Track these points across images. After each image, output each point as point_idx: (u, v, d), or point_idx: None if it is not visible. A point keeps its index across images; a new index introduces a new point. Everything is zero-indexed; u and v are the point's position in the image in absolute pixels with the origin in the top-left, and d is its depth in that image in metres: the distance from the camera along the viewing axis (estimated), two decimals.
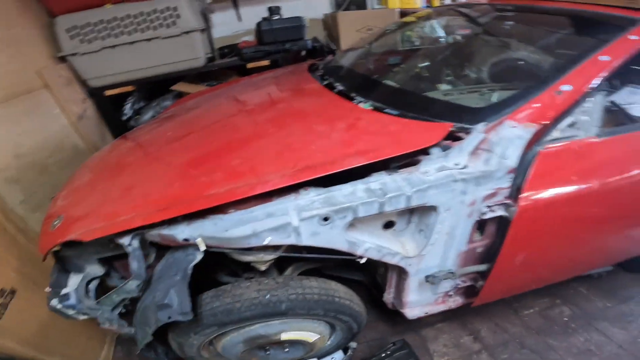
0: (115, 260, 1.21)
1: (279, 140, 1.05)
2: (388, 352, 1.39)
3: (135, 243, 0.93)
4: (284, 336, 1.17)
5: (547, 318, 1.56)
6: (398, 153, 0.88)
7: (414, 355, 1.34)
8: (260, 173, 0.91)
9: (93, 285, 1.16)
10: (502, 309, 1.61)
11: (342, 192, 0.86)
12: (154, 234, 0.93)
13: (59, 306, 1.08)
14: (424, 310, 1.28)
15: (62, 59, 2.16)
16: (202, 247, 0.88)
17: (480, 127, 0.92)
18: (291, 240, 0.86)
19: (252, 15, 2.92)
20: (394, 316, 1.58)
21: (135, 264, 0.93)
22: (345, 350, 1.46)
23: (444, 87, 1.41)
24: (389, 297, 1.31)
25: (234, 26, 3.02)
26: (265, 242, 0.85)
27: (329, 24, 3.00)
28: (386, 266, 1.21)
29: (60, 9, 2.07)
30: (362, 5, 3.15)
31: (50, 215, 1.15)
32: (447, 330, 1.56)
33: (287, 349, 1.32)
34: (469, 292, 1.27)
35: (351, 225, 0.92)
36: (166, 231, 0.91)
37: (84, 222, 1.00)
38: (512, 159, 0.88)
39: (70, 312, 1.10)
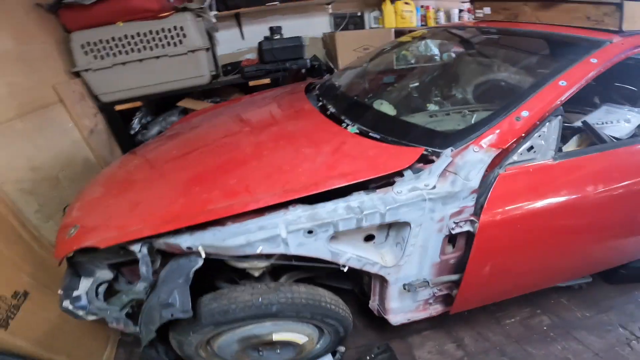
0: (123, 266, 1.31)
1: (271, 162, 1.18)
2: (372, 356, 1.48)
3: (145, 250, 1.05)
4: (275, 337, 1.26)
5: (527, 327, 1.64)
6: (373, 176, 1.00)
7: (395, 358, 1.43)
8: (253, 192, 1.04)
9: (102, 289, 1.25)
10: (485, 318, 1.69)
11: (325, 209, 0.98)
12: (160, 243, 1.05)
13: (70, 307, 1.17)
14: (406, 317, 1.38)
15: (76, 74, 2.29)
16: (203, 255, 1.00)
17: (448, 151, 1.04)
18: (280, 249, 0.98)
19: (255, 33, 3.07)
20: (381, 324, 1.63)
21: (144, 268, 1.05)
22: (333, 354, 1.53)
23: (431, 107, 1.54)
24: (374, 304, 1.40)
25: (237, 44, 3.17)
26: (258, 251, 0.97)
27: (328, 43, 3.16)
28: (369, 275, 1.31)
29: (75, 26, 2.20)
30: (360, 25, 3.31)
31: (66, 225, 1.25)
32: (432, 338, 1.63)
33: (278, 351, 1.40)
34: (447, 300, 1.37)
35: (334, 237, 1.04)
36: (171, 240, 1.03)
37: (98, 232, 1.12)
38: (475, 181, 1.00)
39: (81, 312, 1.19)
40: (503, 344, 1.57)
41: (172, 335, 1.21)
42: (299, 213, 0.98)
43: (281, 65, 2.69)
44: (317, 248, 1.01)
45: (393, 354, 1.44)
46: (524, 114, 1.05)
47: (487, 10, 1.67)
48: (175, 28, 2.29)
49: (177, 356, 1.30)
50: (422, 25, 3.32)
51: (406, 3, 3.08)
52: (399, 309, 1.35)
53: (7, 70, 1.79)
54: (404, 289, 1.21)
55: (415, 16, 3.17)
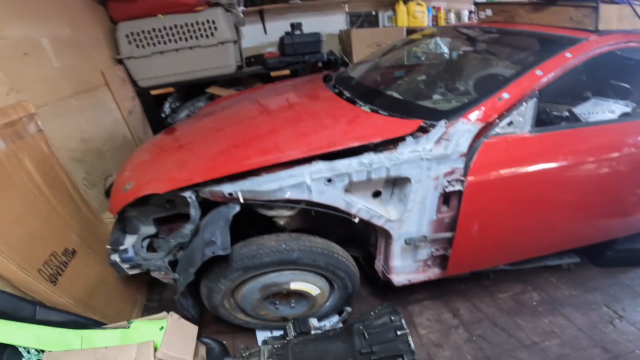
0: (162, 224, 1.52)
1: (296, 130, 1.41)
2: (376, 311, 1.68)
3: (194, 197, 1.26)
4: (293, 285, 1.45)
5: (518, 302, 1.78)
6: (380, 139, 1.23)
7: (395, 311, 1.62)
8: (283, 149, 1.27)
9: (145, 243, 1.45)
10: (479, 292, 1.85)
11: (342, 163, 1.21)
12: (205, 191, 1.26)
13: (118, 260, 1.35)
14: (407, 277, 1.56)
15: (119, 61, 2.57)
16: (241, 199, 1.22)
17: (442, 122, 1.26)
18: (305, 195, 1.21)
19: (276, 29, 3.33)
20: (384, 292, 1.84)
21: (193, 211, 1.25)
22: (339, 314, 1.68)
23: (436, 97, 1.76)
24: (379, 264, 1.59)
25: (259, 38, 3.43)
26: (287, 196, 1.20)
27: (344, 39, 3.39)
28: (376, 235, 1.53)
29: (121, 17, 2.46)
30: (374, 23, 3.53)
31: (120, 183, 1.44)
32: (431, 307, 1.79)
33: (293, 304, 1.60)
34: (444, 263, 1.55)
35: (348, 190, 1.27)
36: (215, 188, 1.24)
37: (152, 185, 1.30)
38: (463, 146, 1.23)
39: (125, 266, 1.37)
40: (495, 316, 1.72)
41: (204, 283, 1.38)
42: (321, 166, 1.21)
43: (300, 58, 2.93)
44: (334, 196, 1.24)
45: (395, 309, 1.63)
46: (505, 95, 1.27)
47: (488, 12, 1.89)
48: (207, 21, 2.55)
49: (201, 312, 1.46)
50: (433, 24, 3.53)
51: (418, 4, 3.29)
52: (401, 268, 1.53)
53: (66, 53, 2.05)
54: (406, 243, 1.41)
55: (426, 16, 3.39)
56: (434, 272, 1.60)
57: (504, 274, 1.88)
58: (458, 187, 1.29)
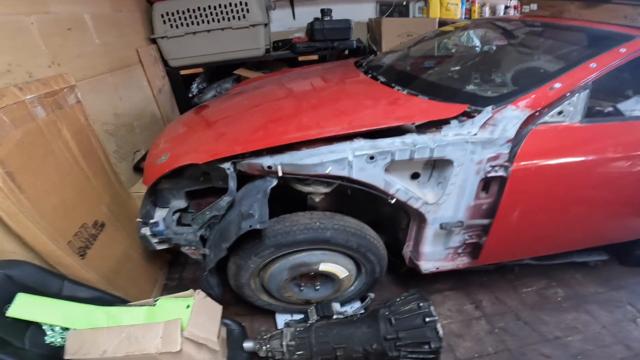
0: (192, 199, 1.51)
1: (336, 108, 1.39)
2: (402, 297, 1.66)
3: (232, 168, 1.26)
4: (322, 267, 1.44)
5: (543, 296, 1.77)
6: (426, 120, 1.21)
7: (424, 297, 1.59)
8: (324, 126, 1.26)
9: (175, 216, 1.43)
10: (503, 285, 1.83)
11: (384, 142, 1.20)
12: (243, 164, 1.25)
13: (148, 233, 1.34)
14: (435, 264, 1.54)
15: (152, 41, 2.61)
16: (280, 172, 1.20)
17: (489, 108, 1.23)
18: (345, 172, 1.20)
19: (305, 14, 3.30)
20: (406, 282, 1.83)
21: (232, 183, 1.25)
22: (362, 300, 1.69)
23: (470, 87, 1.73)
24: (407, 250, 1.58)
25: (287, 23, 3.41)
26: (327, 171, 1.19)
27: (373, 27, 3.34)
28: (408, 219, 1.51)
29: None
30: (404, 13, 3.47)
31: (154, 155, 1.45)
32: (453, 298, 1.77)
33: (317, 287, 1.59)
34: (474, 252, 1.53)
35: (387, 170, 1.25)
36: (254, 161, 1.23)
37: (189, 156, 1.29)
38: (511, 132, 1.20)
39: (155, 240, 1.36)
40: (518, 309, 1.70)
41: (233, 260, 1.37)
42: (363, 143, 1.20)
43: (329, 44, 2.91)
44: (374, 175, 1.22)
45: (423, 296, 1.62)
46: (557, 85, 1.23)
47: (534, 6, 1.85)
48: (241, 3, 2.55)
49: (224, 292, 1.44)
50: (466, 17, 3.45)
51: None
52: (431, 255, 1.51)
53: (106, 31, 2.09)
54: (441, 228, 1.39)
55: (460, 9, 3.31)
56: (462, 261, 1.58)
57: (529, 268, 1.85)
58: (501, 172, 1.26)
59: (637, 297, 1.76)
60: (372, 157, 1.19)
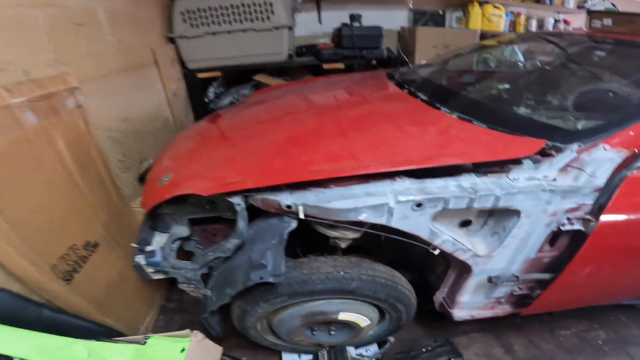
0: (196, 225, 1.33)
1: (373, 135, 1.16)
2: (429, 348, 1.43)
3: (243, 204, 1.05)
4: (342, 316, 1.25)
5: (582, 339, 1.62)
6: (493, 159, 0.97)
7: (456, 351, 1.36)
8: (360, 159, 1.03)
9: (175, 246, 1.26)
10: (538, 327, 1.67)
11: (435, 185, 0.96)
12: (257, 199, 1.04)
13: (143, 262, 1.17)
14: (471, 313, 1.34)
15: (171, 40, 2.43)
16: (302, 215, 0.98)
17: (574, 146, 0.98)
18: (383, 220, 0.97)
19: (332, 19, 3.10)
20: (428, 320, 1.66)
21: (242, 223, 1.04)
22: (380, 345, 1.51)
23: (526, 110, 1.47)
24: (440, 296, 1.37)
25: (313, 27, 3.21)
26: (361, 218, 0.96)
27: (405, 36, 3.10)
28: (446, 265, 1.28)
29: None
30: (440, 23, 3.23)
31: (157, 174, 1.26)
32: (480, 340, 1.61)
33: (332, 332, 1.40)
34: (519, 301, 1.32)
35: (434, 217, 1.01)
36: (271, 197, 1.01)
37: (194, 182, 1.11)
38: (601, 179, 0.95)
39: (151, 270, 1.19)
40: (554, 353, 1.55)
41: (239, 304, 1.19)
42: (408, 185, 0.96)
43: (358, 52, 2.70)
44: (419, 224, 0.99)
45: (456, 349, 1.38)
46: None
47: (607, 21, 1.58)
48: (265, 3, 2.36)
49: (226, 329, 1.29)
50: (509, 30, 3.17)
51: (496, 7, 2.95)
52: (468, 304, 1.30)
53: (121, 28, 1.91)
54: (489, 281, 1.16)
55: (503, 21, 3.04)
56: (503, 309, 1.37)
57: (569, 310, 1.68)
58: (579, 226, 1.01)
59: None
60: (419, 205, 0.95)
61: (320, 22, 3.21)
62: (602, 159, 0.95)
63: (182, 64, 2.54)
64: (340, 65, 2.73)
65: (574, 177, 0.95)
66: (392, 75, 1.93)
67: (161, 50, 2.30)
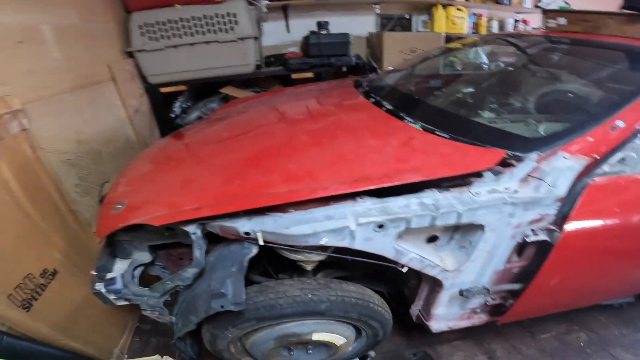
0: (160, 249, 1.28)
1: (332, 150, 1.13)
2: None
3: (199, 232, 1.00)
4: (315, 336, 1.21)
5: (563, 342, 1.62)
6: (454, 174, 0.94)
7: None
8: (318, 179, 0.98)
9: (138, 272, 1.21)
10: (519, 331, 1.66)
11: (397, 204, 0.93)
12: (215, 225, 1.00)
13: (103, 290, 1.11)
14: (448, 324, 1.32)
15: (129, 54, 2.33)
16: (261, 242, 0.95)
17: (533, 156, 0.97)
18: (345, 243, 0.93)
19: (300, 27, 3.07)
20: (409, 330, 1.64)
21: (198, 252, 1.00)
22: (363, 359, 1.48)
23: (490, 114, 1.46)
24: (415, 309, 1.35)
25: (281, 36, 3.17)
26: (322, 242, 0.92)
27: (373, 42, 3.10)
28: (419, 279, 1.26)
29: (136, 6, 2.24)
30: (406, 27, 3.25)
31: (111, 200, 1.21)
32: (462, 348, 1.59)
33: (310, 351, 1.35)
34: (495, 310, 1.31)
35: (399, 235, 0.97)
36: (228, 224, 0.97)
37: (148, 209, 1.06)
38: (562, 189, 0.93)
39: (112, 297, 1.13)
40: (537, 358, 1.55)
41: (207, 328, 1.16)
42: (369, 205, 0.93)
43: (326, 60, 2.67)
44: (383, 244, 0.95)
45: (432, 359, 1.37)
46: (619, 123, 0.97)
47: (562, 20, 1.59)
48: (228, 14, 2.30)
49: (201, 351, 1.26)
50: (473, 32, 3.22)
51: (459, 9, 3.00)
52: (444, 316, 1.29)
53: (70, 44, 1.82)
54: (461, 295, 1.14)
55: (466, 23, 3.09)
56: (480, 319, 1.35)
57: None
58: (544, 237, 0.99)
59: None
60: (381, 226, 0.91)
61: (288, 30, 3.17)
62: (562, 167, 0.94)
63: (144, 78, 2.43)
64: (309, 75, 2.68)
65: (534, 187, 0.94)
66: (360, 82, 1.91)
67: (119, 65, 2.20)
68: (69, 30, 1.84)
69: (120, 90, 2.18)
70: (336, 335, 1.24)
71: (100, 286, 1.11)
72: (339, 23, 3.06)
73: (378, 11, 3.25)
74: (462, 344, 1.60)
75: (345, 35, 2.73)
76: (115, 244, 1.22)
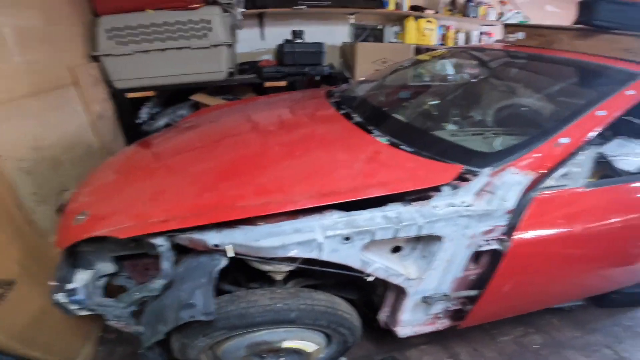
0: (124, 259, 1.26)
1: (303, 164, 1.16)
2: None
3: (167, 245, 1.00)
4: (286, 344, 1.24)
5: (520, 345, 1.69)
6: (415, 188, 1.00)
7: None
8: (288, 192, 1.01)
9: (101, 283, 1.19)
10: (480, 335, 1.73)
11: (363, 217, 0.97)
12: (183, 238, 1.00)
13: (63, 301, 1.10)
14: (414, 329, 1.38)
15: (95, 58, 2.26)
16: (231, 254, 0.96)
17: (487, 171, 1.04)
18: (313, 254, 0.96)
19: (275, 35, 3.09)
20: (380, 335, 1.66)
21: (166, 264, 1.00)
22: None
23: (450, 127, 1.55)
24: (383, 315, 1.39)
25: (255, 44, 3.18)
26: (291, 254, 0.95)
27: (347, 52, 3.18)
28: (385, 286, 1.30)
29: (105, 10, 2.18)
30: (379, 38, 3.35)
31: (72, 210, 1.18)
32: (429, 352, 1.65)
33: (282, 358, 1.35)
34: (456, 315, 1.38)
35: (365, 246, 1.02)
36: (198, 236, 0.98)
37: (113, 220, 1.05)
38: (511, 202, 1.01)
39: (74, 307, 1.12)
40: None
41: (177, 337, 1.15)
42: (336, 219, 0.96)
43: (300, 69, 2.70)
44: (350, 255, 0.99)
45: None
46: (563, 140, 1.06)
47: (520, 35, 1.68)
48: (202, 20, 2.28)
49: (169, 359, 1.24)
50: (441, 44, 3.38)
51: (429, 21, 3.13)
52: (409, 322, 1.34)
53: (31, 48, 1.75)
54: (423, 301, 1.20)
55: (435, 34, 3.24)
56: (443, 324, 1.42)
57: None
58: (495, 246, 1.07)
59: (614, 340, 1.74)
60: (347, 238, 0.95)
61: (263, 38, 3.18)
62: (511, 182, 1.02)
63: (110, 84, 2.36)
64: (283, 83, 2.70)
65: (487, 201, 1.01)
66: (332, 93, 1.95)
67: (82, 69, 2.13)
68: (32, 33, 1.77)
69: (83, 95, 2.10)
70: (307, 343, 1.27)
71: (60, 296, 1.09)
72: (314, 32, 3.11)
73: (352, 21, 3.33)
74: (429, 348, 1.67)
75: (320, 44, 2.77)
76: (76, 254, 1.19)
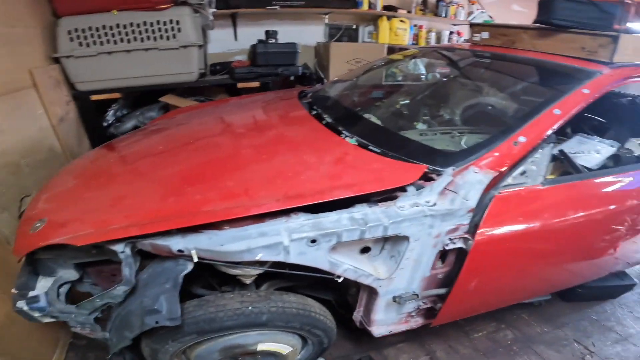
0: (89, 266, 1.22)
1: (271, 167, 1.15)
2: None
3: (128, 251, 0.98)
4: (260, 347, 1.23)
5: (493, 341, 1.74)
6: (380, 189, 1.00)
7: None
8: (254, 196, 1.00)
9: (64, 289, 1.16)
10: (455, 332, 1.77)
11: (329, 219, 0.97)
12: (145, 244, 0.98)
13: (25, 308, 1.07)
14: (388, 329, 1.39)
15: (56, 60, 2.17)
16: (195, 259, 0.94)
17: (449, 170, 1.07)
18: (280, 257, 0.96)
19: (248, 35, 3.04)
20: (358, 335, 1.68)
21: (127, 270, 0.97)
22: None
23: (420, 126, 1.58)
24: (357, 315, 1.40)
25: (228, 44, 3.13)
26: (257, 258, 0.94)
27: (321, 52, 3.18)
28: (358, 287, 1.31)
29: (66, 10, 2.10)
30: (354, 38, 3.36)
31: (29, 217, 1.15)
32: (406, 350, 1.68)
33: None
34: (428, 313, 1.41)
35: (332, 248, 1.02)
36: (160, 242, 0.96)
37: (71, 227, 1.02)
38: (473, 201, 1.04)
39: (37, 314, 1.09)
40: (472, 357, 1.65)
41: (146, 342, 1.14)
42: (302, 221, 0.96)
43: (273, 69, 2.68)
44: (317, 258, 0.99)
45: None
46: (521, 139, 1.10)
47: (485, 34, 1.71)
48: (171, 21, 2.23)
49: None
50: (413, 43, 3.44)
51: (402, 21, 3.18)
52: (383, 321, 1.35)
53: None
54: (394, 301, 1.21)
55: (408, 34, 3.29)
56: (417, 322, 1.45)
57: None
58: (460, 245, 1.10)
59: (582, 334, 1.80)
60: (314, 240, 0.95)
61: (236, 38, 3.13)
62: (473, 181, 1.05)
63: (72, 85, 2.27)
64: (256, 84, 2.67)
65: (450, 200, 1.04)
66: (305, 93, 1.95)
67: (42, 71, 2.05)
68: None
69: (43, 97, 2.02)
70: (282, 345, 1.26)
71: (22, 304, 1.07)
72: (289, 32, 3.09)
73: (327, 21, 3.34)
74: (406, 347, 1.69)
75: (293, 44, 2.76)
76: (37, 262, 1.14)
